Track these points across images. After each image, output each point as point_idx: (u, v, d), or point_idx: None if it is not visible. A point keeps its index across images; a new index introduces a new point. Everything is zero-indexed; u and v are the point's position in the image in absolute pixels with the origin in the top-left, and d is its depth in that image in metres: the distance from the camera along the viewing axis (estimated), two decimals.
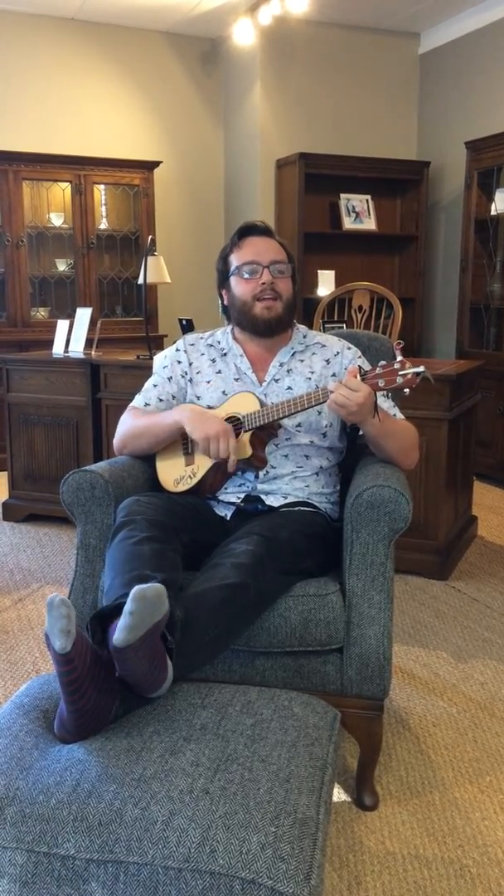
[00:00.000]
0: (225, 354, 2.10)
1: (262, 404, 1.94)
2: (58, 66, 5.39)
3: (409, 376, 1.75)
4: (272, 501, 1.96)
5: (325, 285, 5.41)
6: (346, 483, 1.99)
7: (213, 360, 2.09)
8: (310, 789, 1.21)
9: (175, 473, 2.03)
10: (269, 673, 1.73)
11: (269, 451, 1.97)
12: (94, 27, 5.44)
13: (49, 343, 4.25)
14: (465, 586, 3.11)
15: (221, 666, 1.73)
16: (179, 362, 2.12)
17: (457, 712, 2.21)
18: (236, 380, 2.05)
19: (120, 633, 1.25)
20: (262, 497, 1.97)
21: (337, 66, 5.61)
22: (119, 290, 5.56)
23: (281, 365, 2.06)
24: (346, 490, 1.89)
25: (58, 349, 4.08)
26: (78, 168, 5.18)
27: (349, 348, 2.10)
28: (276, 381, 2.04)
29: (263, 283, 1.98)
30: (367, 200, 5.63)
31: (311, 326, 2.52)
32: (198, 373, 2.09)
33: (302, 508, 1.96)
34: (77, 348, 4.00)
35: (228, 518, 1.96)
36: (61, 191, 5.24)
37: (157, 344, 5.12)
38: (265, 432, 1.94)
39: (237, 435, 1.94)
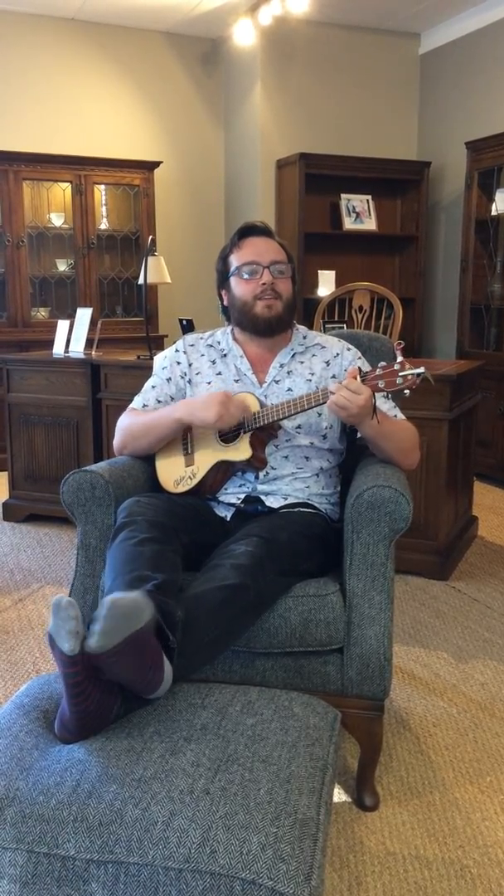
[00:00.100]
0: (225, 355, 2.09)
1: (262, 405, 1.94)
2: (58, 67, 5.39)
3: (410, 377, 1.75)
4: (272, 502, 1.96)
5: (326, 285, 5.41)
6: (347, 484, 1.98)
7: (213, 361, 2.09)
8: (310, 790, 1.21)
9: (175, 474, 2.03)
10: (270, 673, 1.73)
11: (269, 453, 1.97)
12: (95, 27, 5.44)
13: (49, 343, 4.25)
14: (466, 587, 3.11)
15: (222, 666, 1.73)
16: (179, 363, 2.12)
17: (457, 713, 2.21)
18: (236, 381, 2.04)
19: (91, 638, 1.24)
20: (262, 498, 1.97)
21: (337, 66, 5.61)
22: (119, 291, 5.56)
23: (281, 366, 2.05)
24: (347, 491, 1.89)
25: (58, 349, 4.08)
26: (78, 168, 5.18)
27: (349, 349, 2.10)
28: (277, 382, 2.04)
29: (264, 284, 1.97)
30: (367, 201, 5.63)
31: (311, 327, 2.52)
32: (197, 374, 2.09)
33: (302, 509, 1.96)
34: (77, 348, 4.00)
35: (228, 519, 1.96)
36: (62, 191, 5.25)
37: (158, 344, 5.12)
38: (265, 433, 1.94)
39: (237, 436, 1.94)
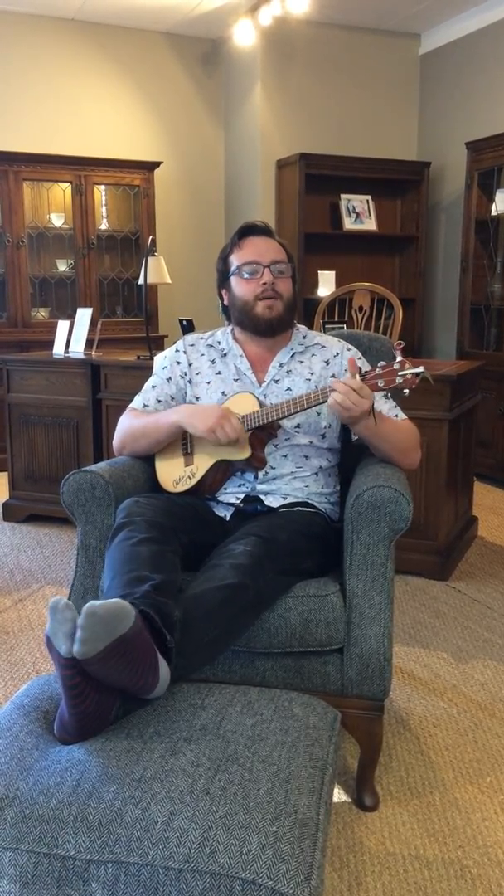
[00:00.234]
0: (225, 355, 2.09)
1: (262, 404, 1.94)
2: (58, 67, 5.39)
3: (409, 377, 1.75)
4: (271, 502, 1.96)
5: (326, 286, 5.41)
6: (347, 483, 1.98)
7: (213, 361, 2.09)
8: (310, 790, 1.21)
9: (174, 474, 2.03)
10: (270, 673, 1.73)
11: (269, 452, 1.97)
12: (95, 28, 5.44)
13: (49, 343, 4.25)
14: (466, 587, 3.11)
15: (221, 666, 1.73)
16: (179, 363, 2.12)
17: (457, 713, 2.21)
18: (236, 380, 2.04)
19: (75, 644, 1.24)
20: (262, 497, 1.97)
21: (337, 66, 5.62)
22: (119, 291, 5.56)
23: (281, 366, 2.05)
24: (347, 490, 1.89)
25: (58, 349, 4.08)
26: (78, 168, 5.18)
27: (349, 349, 2.10)
28: (276, 381, 2.04)
29: (264, 284, 1.97)
30: (367, 201, 5.63)
31: (311, 327, 2.52)
32: (197, 374, 2.09)
33: (301, 509, 1.96)
34: (77, 349, 4.00)
35: (228, 519, 1.96)
36: (62, 191, 5.25)
37: (158, 344, 5.12)
38: (264, 432, 1.93)
39: None
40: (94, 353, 3.98)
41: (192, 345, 2.14)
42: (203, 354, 2.11)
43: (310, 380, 2.03)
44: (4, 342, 5.01)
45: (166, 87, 5.71)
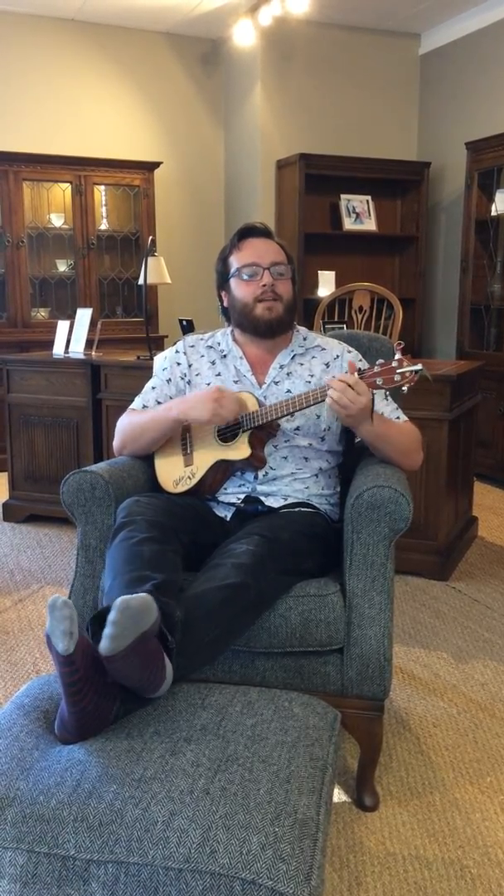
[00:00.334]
0: (225, 356, 2.09)
1: (261, 404, 1.94)
2: (58, 67, 5.39)
3: (407, 374, 1.75)
4: (272, 503, 1.96)
5: (326, 286, 5.41)
6: (347, 484, 1.98)
7: (213, 363, 2.09)
8: (310, 790, 1.21)
9: (174, 474, 2.03)
10: (270, 673, 1.73)
11: (269, 453, 1.97)
12: (95, 28, 5.44)
13: (49, 344, 4.25)
14: (466, 587, 3.11)
15: (222, 666, 1.73)
16: (179, 364, 2.12)
17: (457, 713, 2.21)
18: (236, 382, 2.04)
19: (105, 641, 1.25)
20: (262, 498, 1.97)
21: (337, 66, 5.62)
22: (119, 291, 5.56)
23: (281, 367, 2.05)
24: (347, 491, 1.89)
25: (58, 350, 4.08)
26: (78, 169, 5.19)
27: (349, 351, 2.10)
28: (276, 383, 2.04)
29: (264, 286, 1.97)
30: (367, 201, 5.63)
31: (311, 327, 2.52)
32: (197, 375, 2.09)
33: (302, 509, 1.96)
34: (77, 349, 4.00)
35: (228, 519, 1.96)
36: (61, 191, 5.25)
37: (158, 344, 5.12)
38: (264, 432, 1.94)
39: (235, 435, 1.94)
40: (94, 353, 3.98)
41: (192, 346, 2.14)
42: (203, 356, 2.11)
43: (310, 382, 2.03)
44: (4, 342, 5.01)
45: (166, 87, 5.71)
